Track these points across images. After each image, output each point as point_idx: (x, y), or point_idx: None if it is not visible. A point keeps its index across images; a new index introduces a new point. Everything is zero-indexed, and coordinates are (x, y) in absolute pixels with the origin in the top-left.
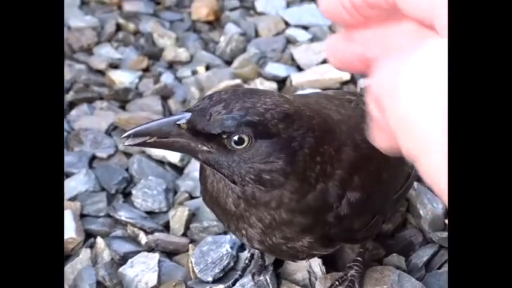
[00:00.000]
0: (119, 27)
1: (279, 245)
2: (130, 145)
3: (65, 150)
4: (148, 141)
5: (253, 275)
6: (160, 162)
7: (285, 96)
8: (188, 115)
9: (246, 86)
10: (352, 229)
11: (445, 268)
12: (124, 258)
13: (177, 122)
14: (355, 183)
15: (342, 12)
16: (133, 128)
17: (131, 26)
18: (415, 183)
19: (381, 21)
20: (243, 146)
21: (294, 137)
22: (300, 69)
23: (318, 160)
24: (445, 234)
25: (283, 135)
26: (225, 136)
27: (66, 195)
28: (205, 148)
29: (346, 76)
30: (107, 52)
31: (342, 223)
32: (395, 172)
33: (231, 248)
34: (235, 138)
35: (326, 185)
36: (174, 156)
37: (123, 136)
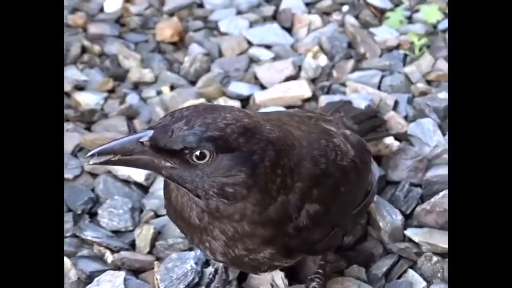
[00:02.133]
0: (84, 50)
1: (242, 256)
2: (95, 164)
3: None
4: (113, 159)
5: None
6: (126, 181)
7: (245, 111)
8: (150, 132)
9: None
10: (311, 240)
11: (404, 278)
12: (90, 277)
13: (140, 140)
14: (314, 196)
15: None
16: (97, 147)
17: (96, 48)
18: (375, 196)
19: None
20: (205, 160)
21: (254, 150)
22: (263, 87)
23: (279, 173)
24: (404, 245)
25: (244, 148)
26: (187, 151)
27: None
28: (168, 164)
29: (308, 93)
30: (72, 74)
31: (301, 234)
32: (353, 188)
33: (196, 263)
34: (197, 153)
35: (287, 197)
36: (139, 176)
37: (87, 155)
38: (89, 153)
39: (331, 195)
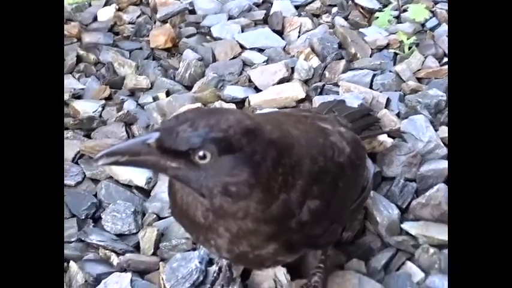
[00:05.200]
0: (79, 59)
1: (246, 253)
2: (104, 164)
3: None
4: (121, 160)
5: (221, 287)
6: (128, 186)
7: (246, 113)
8: (156, 134)
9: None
10: (312, 235)
11: (403, 270)
12: (97, 280)
13: (146, 142)
14: (315, 192)
15: None
16: (106, 149)
17: (92, 57)
18: (372, 192)
19: None
20: (207, 160)
21: (256, 150)
22: (257, 90)
23: (280, 172)
24: (401, 238)
25: (246, 149)
26: (191, 152)
27: None
28: (174, 165)
29: (302, 94)
30: (69, 83)
31: (303, 229)
32: (350, 183)
33: (200, 263)
34: (201, 154)
35: (288, 195)
36: (140, 180)
37: (97, 156)
38: (98, 155)
39: (331, 191)
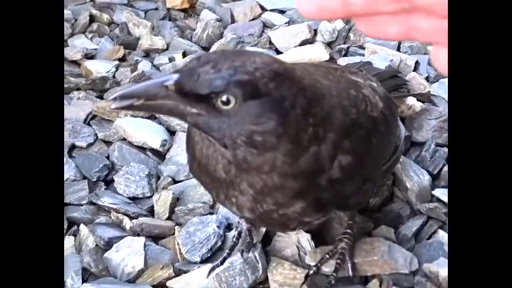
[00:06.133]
0: (92, 19)
1: (271, 212)
2: (118, 108)
3: None
4: (136, 103)
5: (241, 253)
6: (142, 148)
7: (274, 57)
8: (176, 76)
9: None
10: (343, 193)
11: (434, 238)
12: (109, 244)
13: (165, 83)
14: (346, 147)
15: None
16: (119, 91)
17: (105, 17)
18: (401, 157)
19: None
20: (231, 106)
21: (285, 96)
22: (278, 52)
23: (310, 122)
24: (432, 205)
25: (274, 94)
26: (213, 96)
27: None
28: (194, 110)
29: (325, 56)
30: (81, 43)
31: (334, 187)
32: (383, 140)
33: (218, 227)
34: (224, 98)
35: (319, 148)
36: (155, 142)
37: (110, 98)
38: (111, 97)
39: (363, 147)
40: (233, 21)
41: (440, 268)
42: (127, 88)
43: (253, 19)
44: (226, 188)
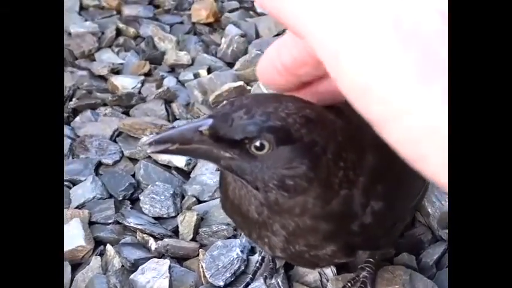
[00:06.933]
0: (119, 32)
1: (302, 252)
2: (153, 152)
3: (70, 158)
4: (171, 148)
5: (265, 278)
6: (167, 167)
7: (307, 100)
8: (210, 121)
9: (248, 87)
10: (374, 237)
11: None
12: (135, 265)
13: (199, 129)
14: (378, 191)
15: (275, 76)
16: (155, 136)
17: (131, 30)
18: None
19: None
20: (264, 151)
21: (316, 141)
22: None
23: (341, 165)
24: None
25: (306, 140)
26: (247, 142)
27: (74, 203)
28: (227, 154)
29: None
30: (108, 57)
31: (366, 232)
32: (413, 180)
33: (241, 251)
34: (257, 143)
35: (350, 191)
36: (180, 161)
37: (145, 143)
38: (147, 141)
39: (395, 190)
40: (258, 36)
41: None
42: (163, 134)
43: (277, 34)
44: (259, 228)
